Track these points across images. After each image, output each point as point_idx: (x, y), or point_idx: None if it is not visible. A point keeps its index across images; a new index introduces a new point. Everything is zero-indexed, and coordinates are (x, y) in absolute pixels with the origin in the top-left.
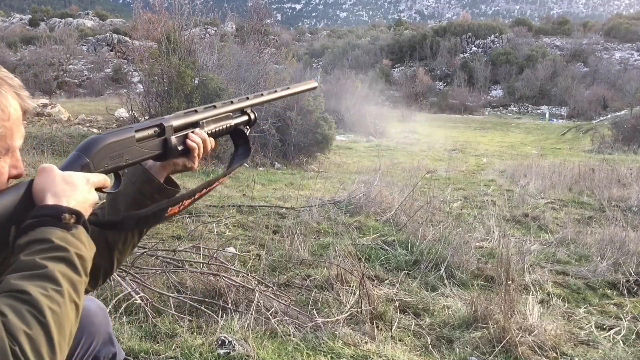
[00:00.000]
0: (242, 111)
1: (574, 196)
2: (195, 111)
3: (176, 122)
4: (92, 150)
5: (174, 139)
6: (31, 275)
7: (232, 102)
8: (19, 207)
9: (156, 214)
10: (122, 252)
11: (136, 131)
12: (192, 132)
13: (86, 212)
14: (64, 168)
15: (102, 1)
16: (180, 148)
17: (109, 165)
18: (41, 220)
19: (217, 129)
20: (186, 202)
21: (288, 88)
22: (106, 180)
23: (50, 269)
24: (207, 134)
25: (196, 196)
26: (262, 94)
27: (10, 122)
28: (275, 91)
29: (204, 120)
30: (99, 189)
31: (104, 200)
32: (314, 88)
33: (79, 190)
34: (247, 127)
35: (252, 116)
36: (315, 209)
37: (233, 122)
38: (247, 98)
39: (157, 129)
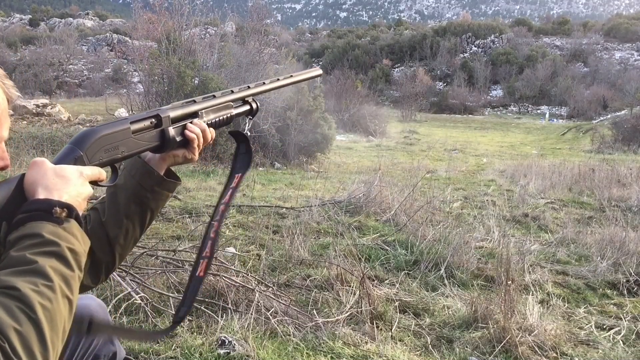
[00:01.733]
0: (244, 101)
1: (574, 196)
2: (194, 101)
3: (174, 113)
4: (85, 142)
5: (172, 129)
6: (21, 271)
7: (232, 92)
8: (10, 202)
9: (193, 288)
10: (124, 246)
11: (131, 123)
12: (191, 122)
13: (80, 206)
14: (57, 161)
15: (102, 1)
16: (179, 139)
17: (104, 158)
18: (32, 215)
19: (217, 119)
20: (207, 251)
21: (291, 76)
22: (101, 173)
23: (40, 264)
24: (207, 124)
25: (212, 235)
26: (263, 83)
27: None
28: (278, 79)
29: (203, 110)
30: (94, 182)
31: (105, 195)
32: (319, 76)
33: (71, 184)
34: (249, 117)
35: (254, 105)
36: (315, 209)
37: (234, 111)
38: (249, 87)
39: (153, 120)
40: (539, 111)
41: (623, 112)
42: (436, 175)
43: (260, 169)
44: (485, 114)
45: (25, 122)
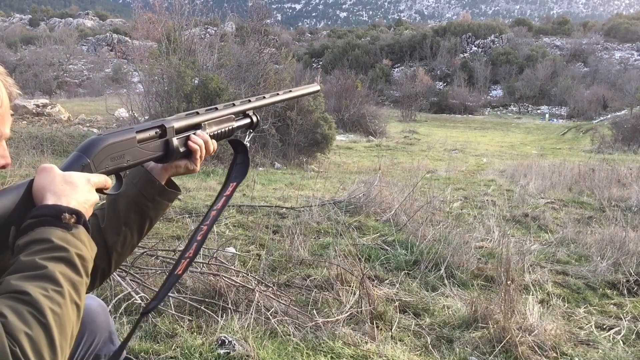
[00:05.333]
0: (245, 114)
1: (574, 196)
2: (197, 113)
3: (178, 124)
4: (92, 150)
5: (175, 140)
6: (31, 276)
7: (234, 105)
8: (18, 207)
9: (169, 284)
10: (120, 253)
11: (137, 132)
12: (194, 133)
13: (87, 213)
14: (65, 168)
15: (102, 1)
16: (182, 150)
17: (110, 166)
18: (41, 220)
19: (219, 131)
20: (191, 252)
21: (290, 91)
22: (107, 180)
23: (50, 270)
24: (210, 136)
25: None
26: (264, 97)
27: (2, 108)
28: (278, 94)
29: (205, 122)
30: (99, 190)
31: (104, 201)
32: (317, 92)
33: (79, 190)
34: (250, 130)
35: (255, 119)
36: (315, 209)
37: (235, 124)
38: (249, 100)
39: (158, 130)
40: (539, 111)
41: (623, 112)
42: (436, 175)
43: (260, 169)
44: (485, 114)
45: (25, 122)
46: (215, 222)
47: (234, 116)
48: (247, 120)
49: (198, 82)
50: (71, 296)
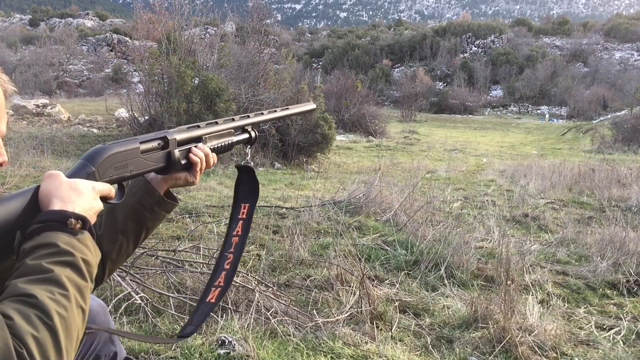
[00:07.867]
0: (243, 129)
1: (574, 196)
2: (198, 126)
3: (179, 136)
4: (97, 159)
5: (177, 152)
6: (38, 279)
7: (233, 119)
8: (24, 212)
9: (202, 311)
10: (115, 261)
11: (141, 143)
12: (195, 146)
13: (91, 219)
14: (70, 176)
15: (102, 1)
16: (183, 162)
17: (114, 176)
18: (47, 225)
19: (219, 145)
20: (221, 281)
21: (287, 108)
22: (111, 190)
23: (56, 273)
24: (210, 149)
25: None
26: (262, 113)
27: None
28: (275, 111)
29: (206, 136)
30: (103, 199)
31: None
32: (313, 110)
33: (84, 197)
34: (248, 145)
35: (253, 134)
36: (315, 209)
37: (234, 139)
38: (248, 116)
39: (161, 141)
40: (539, 111)
41: (623, 112)
42: (436, 175)
43: (260, 169)
44: (485, 114)
45: (25, 122)
46: (242, 250)
47: (233, 130)
48: (246, 136)
49: (198, 82)
50: (77, 300)
